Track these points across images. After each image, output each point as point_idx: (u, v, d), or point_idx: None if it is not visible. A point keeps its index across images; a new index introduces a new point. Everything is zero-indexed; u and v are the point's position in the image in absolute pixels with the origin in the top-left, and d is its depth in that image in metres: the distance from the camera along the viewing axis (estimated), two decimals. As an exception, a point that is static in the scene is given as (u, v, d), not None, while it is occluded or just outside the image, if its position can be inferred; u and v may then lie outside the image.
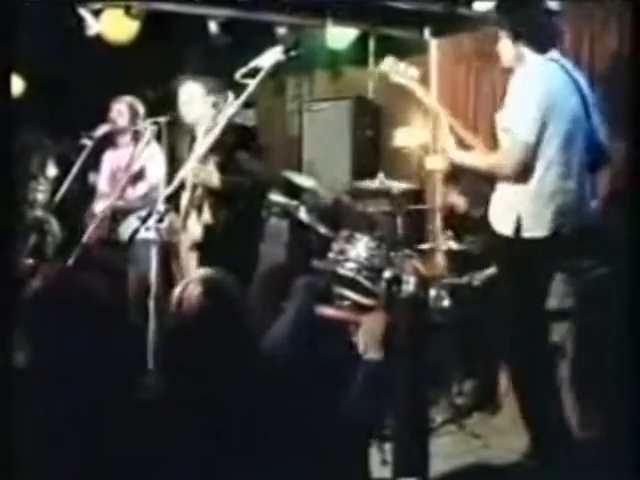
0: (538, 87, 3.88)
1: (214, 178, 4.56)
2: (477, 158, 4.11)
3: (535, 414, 3.99)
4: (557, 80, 3.92)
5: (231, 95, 4.71)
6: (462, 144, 4.18)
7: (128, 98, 5.85)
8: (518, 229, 3.84)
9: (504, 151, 3.93)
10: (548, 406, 3.98)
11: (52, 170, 6.76)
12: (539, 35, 3.99)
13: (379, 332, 2.96)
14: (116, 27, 5.85)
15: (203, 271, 2.67)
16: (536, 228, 3.84)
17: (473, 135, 4.27)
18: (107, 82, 6.58)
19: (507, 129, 3.90)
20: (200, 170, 4.56)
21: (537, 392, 3.98)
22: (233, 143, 4.58)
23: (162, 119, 4.48)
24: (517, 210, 3.86)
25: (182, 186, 4.57)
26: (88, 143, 5.13)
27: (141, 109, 5.83)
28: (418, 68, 4.42)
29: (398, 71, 4.36)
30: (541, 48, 3.97)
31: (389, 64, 4.41)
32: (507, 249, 3.98)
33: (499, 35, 4.10)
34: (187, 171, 4.35)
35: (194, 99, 4.82)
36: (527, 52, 3.99)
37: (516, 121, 3.86)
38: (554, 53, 3.99)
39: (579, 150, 3.91)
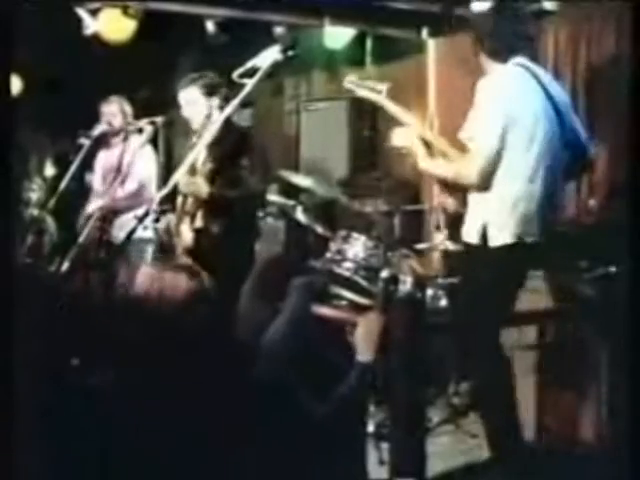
0: (499, 94, 3.88)
1: (203, 191, 4.56)
2: (444, 167, 4.09)
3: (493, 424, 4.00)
4: (520, 86, 3.91)
5: (225, 93, 4.73)
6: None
7: (116, 97, 5.85)
8: (484, 238, 3.84)
9: (468, 159, 3.93)
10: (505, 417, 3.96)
11: (50, 169, 6.77)
12: (502, 41, 4.01)
13: (375, 334, 2.97)
14: (114, 27, 5.85)
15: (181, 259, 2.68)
16: (501, 236, 3.82)
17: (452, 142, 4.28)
18: (104, 82, 6.57)
19: (470, 138, 3.93)
20: (190, 183, 4.57)
21: (495, 403, 3.97)
22: (228, 150, 4.58)
23: (159, 119, 4.49)
24: (483, 219, 3.86)
25: (177, 189, 4.58)
26: (86, 142, 5.12)
27: (129, 109, 5.84)
28: (414, 68, 4.44)
29: (364, 87, 4.37)
30: (505, 54, 3.98)
31: (351, 82, 4.43)
32: (474, 258, 3.98)
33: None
34: (179, 178, 4.36)
35: (191, 98, 4.82)
36: (491, 58, 4.02)
37: (478, 129, 3.88)
38: (520, 59, 3.98)
39: (547, 155, 3.87)
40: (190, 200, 4.73)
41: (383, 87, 4.31)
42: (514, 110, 3.83)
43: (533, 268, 4.15)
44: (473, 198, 3.93)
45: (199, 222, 4.70)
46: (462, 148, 4.03)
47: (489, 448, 3.94)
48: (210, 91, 4.79)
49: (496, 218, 3.84)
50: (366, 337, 2.94)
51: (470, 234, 3.92)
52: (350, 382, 2.79)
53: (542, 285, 4.42)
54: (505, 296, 3.95)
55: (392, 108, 4.30)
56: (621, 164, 5.00)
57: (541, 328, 4.51)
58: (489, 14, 4.39)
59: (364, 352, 2.89)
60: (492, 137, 3.81)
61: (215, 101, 4.77)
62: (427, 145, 4.13)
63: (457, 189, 4.04)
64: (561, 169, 3.96)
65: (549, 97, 3.92)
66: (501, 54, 3.98)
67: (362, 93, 4.40)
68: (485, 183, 3.85)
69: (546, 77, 4.04)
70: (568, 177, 4.10)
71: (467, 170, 3.90)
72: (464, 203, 3.99)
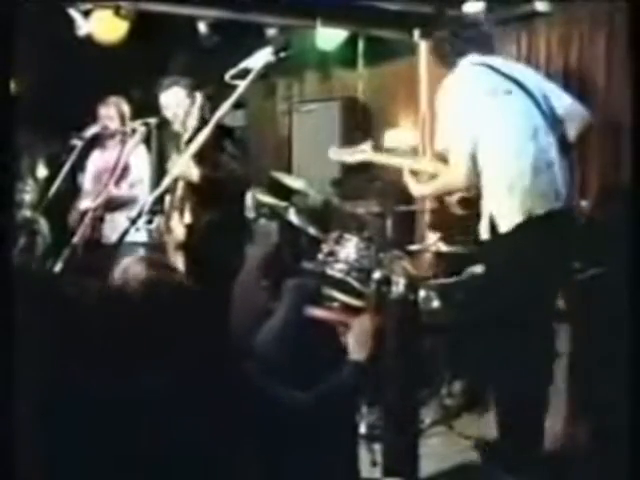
0: (457, 98, 3.96)
1: (193, 172, 4.54)
2: (433, 186, 4.27)
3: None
4: (478, 81, 3.98)
5: (200, 96, 4.75)
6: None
7: (114, 99, 5.84)
8: (493, 228, 3.89)
9: (451, 169, 4.03)
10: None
11: (42, 171, 6.75)
12: (455, 41, 4.07)
13: (368, 334, 2.97)
14: (106, 27, 5.84)
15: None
16: (509, 219, 3.86)
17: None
18: (96, 82, 6.56)
19: (445, 149, 4.02)
20: (180, 164, 4.55)
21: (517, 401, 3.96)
22: (214, 144, 4.58)
23: (152, 120, 4.48)
24: (488, 212, 3.93)
25: (167, 189, 4.58)
26: (78, 144, 5.11)
27: (127, 109, 5.83)
28: (406, 70, 4.50)
29: (350, 154, 4.55)
30: (453, 58, 4.05)
31: (336, 154, 4.78)
32: (492, 252, 4.01)
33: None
34: (170, 168, 4.36)
35: (172, 101, 4.82)
36: (442, 64, 4.08)
37: (448, 138, 3.98)
38: (473, 57, 4.04)
39: (529, 134, 3.90)
40: (179, 192, 4.72)
41: (367, 146, 4.63)
42: (477, 107, 3.90)
43: (553, 240, 4.00)
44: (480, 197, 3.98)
45: (188, 217, 4.70)
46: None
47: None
48: (189, 92, 4.79)
49: (498, 206, 3.90)
50: (359, 336, 2.95)
51: (483, 231, 3.98)
52: (342, 380, 2.79)
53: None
54: (539, 279, 3.88)
55: (382, 159, 4.56)
56: (613, 164, 5.02)
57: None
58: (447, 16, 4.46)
59: (356, 351, 2.89)
60: (462, 142, 3.90)
61: (196, 101, 4.77)
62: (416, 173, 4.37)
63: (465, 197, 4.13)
64: (553, 141, 3.96)
65: (513, 81, 3.96)
66: (453, 55, 4.05)
67: (349, 159, 4.70)
68: (474, 183, 3.93)
69: (506, 65, 4.10)
70: (564, 148, 4.08)
71: (454, 179, 4.02)
72: (463, 206, 4.05)
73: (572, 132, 4.08)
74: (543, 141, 3.93)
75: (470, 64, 4.04)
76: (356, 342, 2.92)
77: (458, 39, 4.10)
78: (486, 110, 3.89)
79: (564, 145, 4.06)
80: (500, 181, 3.89)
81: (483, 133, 3.88)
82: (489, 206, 3.94)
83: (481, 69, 4.00)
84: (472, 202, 4.12)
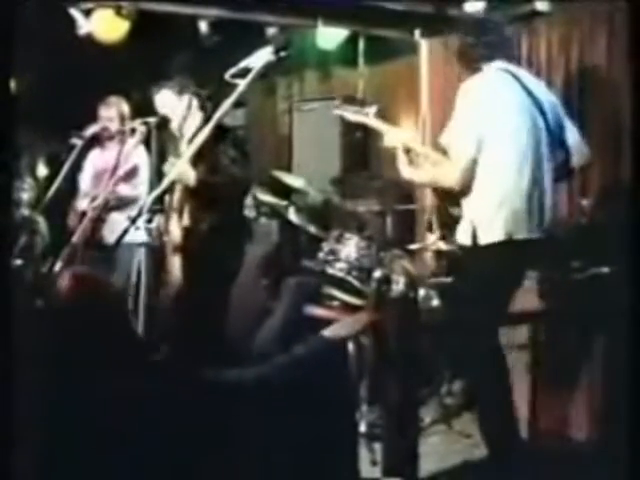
0: (477, 100, 3.92)
1: (190, 175, 4.53)
2: (424, 174, 4.20)
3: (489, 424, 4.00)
4: (500, 90, 3.94)
5: (203, 94, 4.75)
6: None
7: (115, 100, 5.84)
8: (474, 237, 3.86)
9: (447, 165, 4.00)
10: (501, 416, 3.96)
11: (42, 170, 6.75)
12: (481, 45, 4.05)
13: (357, 326, 2.97)
14: (107, 27, 5.84)
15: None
16: (489, 235, 3.85)
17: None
18: (97, 82, 6.56)
19: (448, 143, 3.98)
20: (178, 168, 4.54)
21: (490, 402, 3.97)
22: (213, 146, 4.57)
23: (152, 119, 4.48)
24: (471, 219, 3.90)
25: (165, 190, 4.57)
26: (78, 143, 5.11)
27: (127, 110, 5.84)
28: (407, 69, 4.49)
29: (352, 112, 4.53)
30: (483, 59, 4.02)
31: (339, 109, 4.65)
32: (466, 258, 4.02)
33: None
34: (167, 171, 4.35)
35: (166, 101, 4.82)
36: (471, 63, 4.05)
37: (455, 135, 3.94)
38: (500, 62, 4.02)
39: (533, 156, 3.89)
40: (177, 194, 4.72)
41: (371, 110, 4.48)
42: (493, 115, 3.86)
43: (527, 266, 4.16)
44: (464, 200, 3.96)
45: (187, 220, 4.70)
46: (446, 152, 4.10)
47: (486, 448, 3.95)
48: (178, 94, 4.79)
49: (483, 217, 3.88)
50: (348, 323, 2.95)
51: (462, 235, 3.96)
52: (300, 351, 2.77)
53: (535, 285, 4.44)
54: (500, 295, 3.96)
55: (381, 127, 4.41)
56: (615, 164, 5.02)
57: (534, 327, 4.52)
58: (470, 19, 4.44)
59: (334, 330, 2.87)
60: (468, 143, 3.86)
61: (192, 103, 4.78)
62: (410, 152, 4.23)
63: (446, 191, 4.08)
64: (550, 169, 3.97)
65: (533, 99, 3.95)
66: (480, 59, 4.03)
67: (351, 117, 4.56)
68: (466, 186, 3.90)
69: (529, 80, 4.07)
70: (558, 177, 4.11)
71: (446, 175, 3.99)
72: (457, 204, 4.02)
73: (574, 164, 4.12)
74: (543, 167, 3.93)
75: (496, 70, 4.00)
76: (342, 324, 2.92)
77: (484, 44, 4.07)
78: (500, 120, 3.86)
79: (560, 174, 4.09)
80: (492, 195, 3.88)
81: (491, 141, 3.85)
82: (472, 213, 3.91)
83: (506, 78, 3.96)
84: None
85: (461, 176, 3.88)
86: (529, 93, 3.95)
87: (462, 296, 4.14)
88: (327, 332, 2.86)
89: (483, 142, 3.84)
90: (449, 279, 5.15)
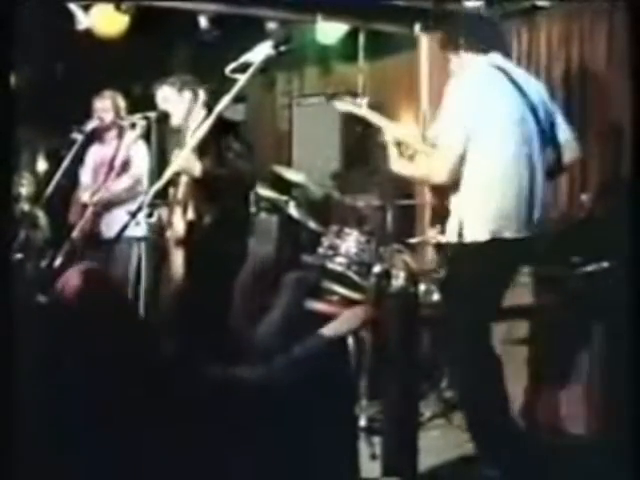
0: (467, 95, 3.87)
1: (195, 167, 4.53)
2: (412, 168, 4.16)
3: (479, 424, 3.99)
4: (491, 86, 3.89)
5: (204, 89, 4.76)
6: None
7: (110, 93, 5.85)
8: (460, 234, 3.83)
9: (434, 159, 3.96)
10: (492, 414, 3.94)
11: (42, 164, 6.76)
12: (472, 40, 4.03)
13: (356, 322, 2.98)
14: (106, 22, 5.85)
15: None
16: (476, 232, 3.81)
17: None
18: (96, 77, 6.57)
19: (436, 137, 3.96)
20: (182, 157, 4.54)
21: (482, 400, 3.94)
22: (217, 139, 4.57)
23: (152, 114, 4.49)
24: (459, 216, 3.86)
25: (169, 182, 4.57)
26: (78, 137, 5.11)
27: (122, 103, 5.84)
28: (407, 64, 4.49)
29: (346, 103, 4.60)
30: (475, 53, 4.00)
31: (332, 98, 4.76)
32: (454, 255, 3.99)
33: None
34: (173, 164, 4.35)
35: (168, 97, 4.82)
36: (463, 58, 4.04)
37: (443, 129, 3.90)
38: (493, 58, 3.99)
39: (522, 153, 3.84)
40: (182, 187, 4.73)
41: (363, 101, 4.58)
42: (482, 111, 3.81)
43: (517, 264, 4.13)
44: (453, 196, 3.93)
45: (191, 214, 4.70)
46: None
47: (476, 444, 3.95)
48: (179, 90, 4.80)
49: (470, 215, 3.83)
50: (347, 319, 2.95)
51: (450, 232, 3.93)
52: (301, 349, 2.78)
53: (532, 280, 4.44)
54: (489, 293, 3.92)
55: (374, 118, 4.42)
56: (614, 160, 5.03)
57: (532, 323, 4.52)
58: (462, 13, 4.43)
59: (334, 327, 2.88)
60: (455, 138, 3.82)
61: (197, 97, 4.79)
62: (401, 146, 4.21)
63: (437, 187, 4.08)
64: (541, 167, 3.91)
65: (523, 95, 3.90)
66: (472, 53, 4.01)
67: (344, 108, 4.61)
68: (454, 182, 3.85)
69: (520, 75, 4.02)
70: (549, 175, 4.07)
71: (433, 170, 3.95)
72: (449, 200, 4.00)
73: (565, 161, 4.07)
74: (533, 165, 3.87)
75: (486, 65, 3.96)
76: (340, 320, 2.92)
77: (475, 37, 4.05)
78: (488, 116, 3.82)
79: (552, 171, 4.06)
80: (479, 192, 3.84)
81: (478, 137, 3.81)
82: (460, 210, 3.87)
83: (496, 74, 3.92)
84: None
85: (448, 172, 3.83)
86: (519, 89, 3.90)
87: (450, 293, 4.12)
88: (327, 330, 2.87)
89: (470, 138, 3.80)
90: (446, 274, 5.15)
